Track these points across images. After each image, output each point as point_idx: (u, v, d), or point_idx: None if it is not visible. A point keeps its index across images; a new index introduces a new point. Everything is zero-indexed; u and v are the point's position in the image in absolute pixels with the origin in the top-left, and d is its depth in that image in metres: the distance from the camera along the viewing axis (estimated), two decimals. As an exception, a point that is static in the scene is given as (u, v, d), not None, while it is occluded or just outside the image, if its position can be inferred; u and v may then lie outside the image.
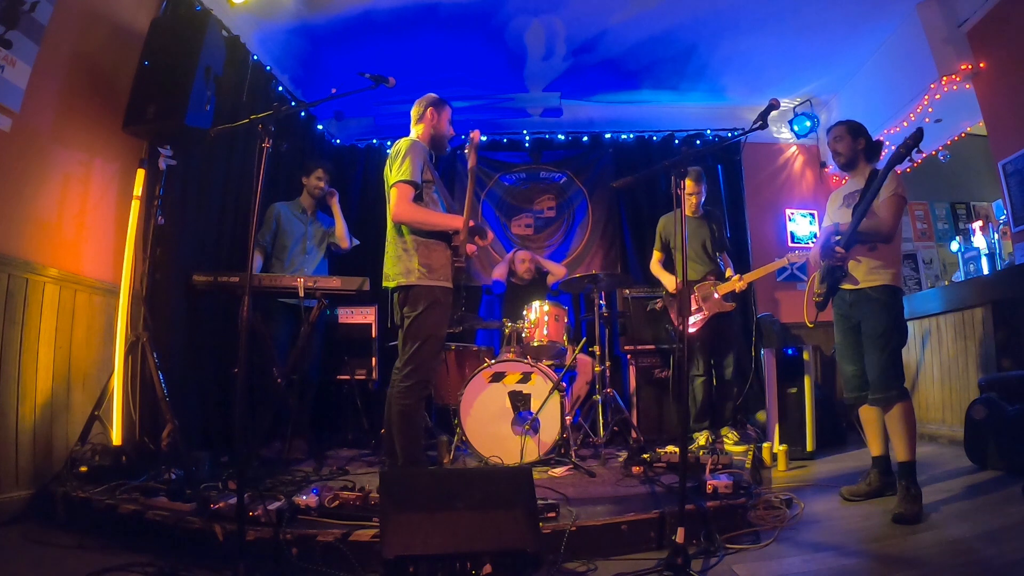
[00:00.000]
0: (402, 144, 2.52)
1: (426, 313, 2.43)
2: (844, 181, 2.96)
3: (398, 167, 2.46)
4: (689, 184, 3.81)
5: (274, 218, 3.73)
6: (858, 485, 2.63)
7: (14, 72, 2.44)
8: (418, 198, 2.49)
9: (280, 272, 3.60)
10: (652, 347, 4.27)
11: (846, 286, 2.66)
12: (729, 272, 3.87)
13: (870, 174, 2.67)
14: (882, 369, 2.50)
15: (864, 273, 2.60)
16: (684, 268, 2.15)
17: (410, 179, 2.44)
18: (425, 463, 2.53)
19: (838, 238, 2.59)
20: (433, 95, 2.74)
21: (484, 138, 5.46)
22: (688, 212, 3.91)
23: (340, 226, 3.85)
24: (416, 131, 2.71)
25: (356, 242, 3.97)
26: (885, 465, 2.63)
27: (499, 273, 4.51)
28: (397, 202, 2.45)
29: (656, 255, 4.03)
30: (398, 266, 2.49)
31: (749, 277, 3.77)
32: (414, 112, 2.73)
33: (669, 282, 3.89)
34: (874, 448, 2.67)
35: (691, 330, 3.75)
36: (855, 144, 2.75)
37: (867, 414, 2.70)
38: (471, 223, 2.56)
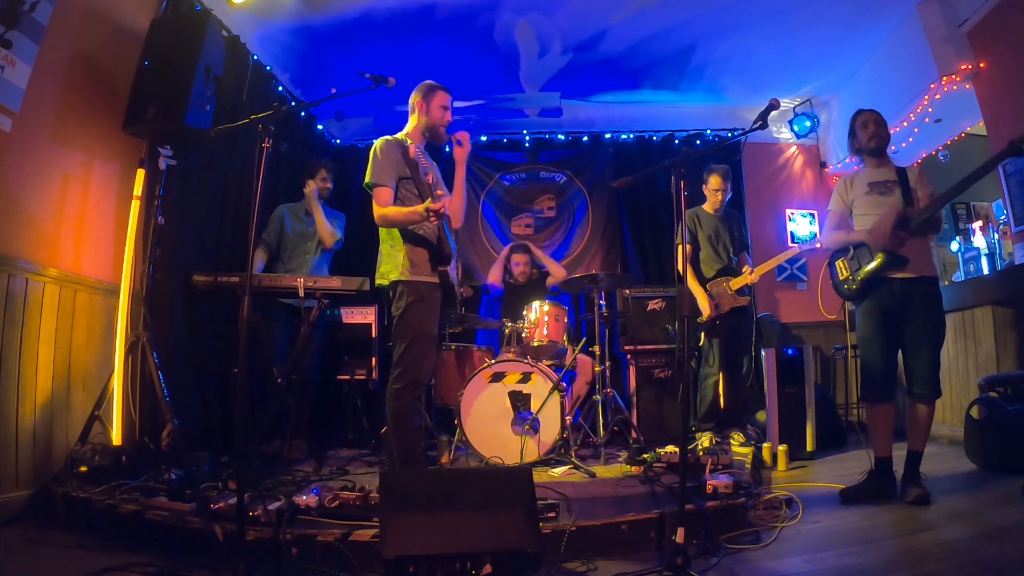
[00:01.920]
0: (374, 146, 2.53)
1: (409, 310, 2.42)
2: (835, 179, 2.99)
3: (367, 171, 2.49)
4: (716, 180, 3.85)
5: (278, 219, 3.76)
6: (858, 486, 2.61)
7: (14, 72, 2.44)
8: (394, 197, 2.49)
9: (282, 272, 3.61)
10: (652, 347, 4.27)
11: (900, 274, 2.58)
12: (746, 269, 3.82)
13: (897, 170, 2.72)
14: (936, 365, 2.54)
15: (923, 262, 2.59)
16: (684, 267, 2.16)
17: (372, 182, 2.47)
18: (422, 464, 2.53)
19: (894, 221, 2.55)
20: (426, 82, 2.69)
21: (484, 138, 5.51)
22: (710, 209, 3.93)
23: (321, 224, 3.73)
24: (411, 123, 2.69)
25: (339, 236, 3.85)
26: (887, 466, 2.63)
27: (494, 277, 4.47)
28: (374, 207, 2.48)
29: (685, 248, 3.89)
30: (386, 264, 2.53)
31: (760, 269, 3.75)
32: (409, 103, 2.70)
33: (701, 297, 3.75)
34: (882, 449, 2.64)
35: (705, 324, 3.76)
36: (887, 134, 2.79)
37: (881, 415, 2.65)
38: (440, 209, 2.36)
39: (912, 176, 2.70)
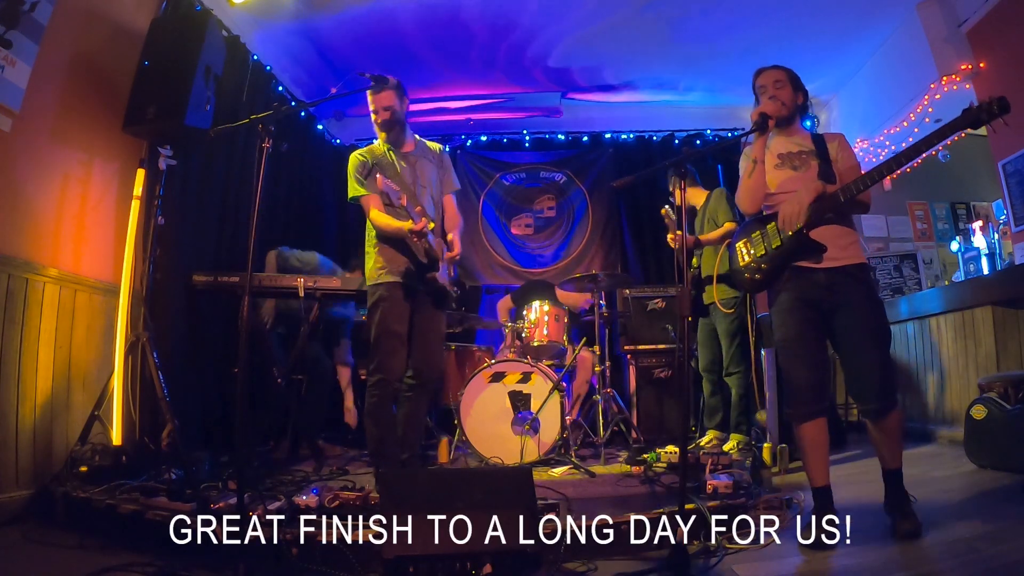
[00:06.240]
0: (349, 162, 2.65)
1: (371, 311, 2.57)
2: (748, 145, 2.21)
3: (348, 188, 2.62)
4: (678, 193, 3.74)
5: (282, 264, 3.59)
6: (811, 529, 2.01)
7: (14, 72, 2.44)
8: (384, 205, 2.56)
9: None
10: (652, 347, 4.27)
11: (823, 264, 2.08)
12: None
13: (813, 138, 2.24)
14: (887, 370, 2.08)
15: (850, 248, 2.11)
16: (685, 268, 2.15)
17: (353, 196, 2.58)
18: (392, 458, 2.54)
19: (812, 200, 2.04)
20: None
21: (484, 138, 5.51)
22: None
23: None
24: None
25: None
26: (829, 497, 2.12)
27: (503, 317, 4.38)
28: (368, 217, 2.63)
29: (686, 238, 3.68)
30: (366, 268, 2.67)
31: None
32: None
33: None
34: (821, 477, 2.11)
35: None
36: (795, 96, 2.26)
37: (816, 433, 2.12)
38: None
39: (832, 146, 2.21)
